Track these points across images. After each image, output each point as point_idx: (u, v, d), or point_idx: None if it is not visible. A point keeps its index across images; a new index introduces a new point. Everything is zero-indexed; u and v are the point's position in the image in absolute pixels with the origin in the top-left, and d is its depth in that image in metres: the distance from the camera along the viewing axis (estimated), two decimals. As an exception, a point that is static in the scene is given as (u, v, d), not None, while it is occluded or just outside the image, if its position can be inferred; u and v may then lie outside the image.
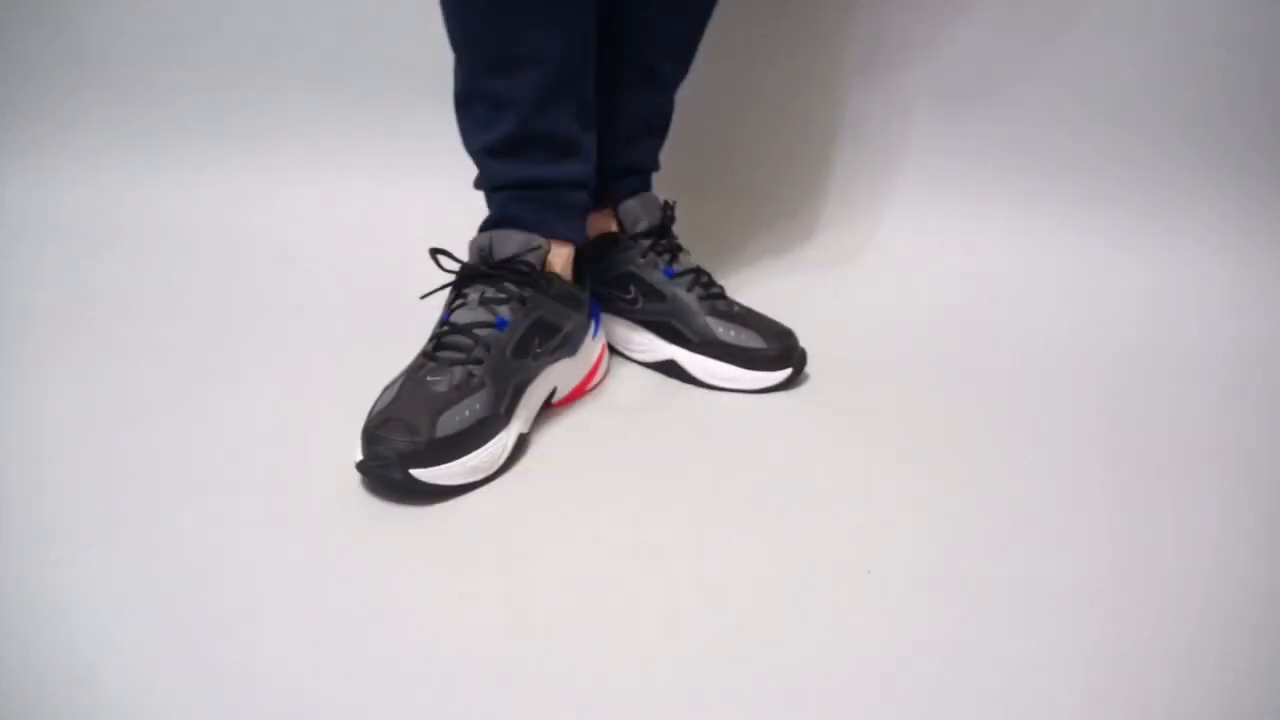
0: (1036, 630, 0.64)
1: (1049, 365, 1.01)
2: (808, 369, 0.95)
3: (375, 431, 0.75)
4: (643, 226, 0.97)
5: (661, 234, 0.98)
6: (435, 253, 0.85)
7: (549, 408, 0.89)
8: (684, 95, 1.23)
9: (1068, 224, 1.16)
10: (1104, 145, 1.14)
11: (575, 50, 0.85)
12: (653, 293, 0.96)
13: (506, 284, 0.84)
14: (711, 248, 1.20)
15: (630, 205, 0.97)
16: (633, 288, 0.97)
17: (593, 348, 0.94)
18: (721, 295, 0.97)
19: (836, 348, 0.99)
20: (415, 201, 1.30)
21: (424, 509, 0.75)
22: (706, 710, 0.57)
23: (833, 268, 1.18)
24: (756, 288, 1.14)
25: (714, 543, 0.72)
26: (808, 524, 0.74)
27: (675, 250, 0.98)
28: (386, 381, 0.81)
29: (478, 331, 0.81)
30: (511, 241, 0.85)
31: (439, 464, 0.75)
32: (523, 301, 0.83)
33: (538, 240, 0.86)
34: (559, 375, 0.89)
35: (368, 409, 0.79)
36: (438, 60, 1.29)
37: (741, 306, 0.97)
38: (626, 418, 0.89)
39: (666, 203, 1.00)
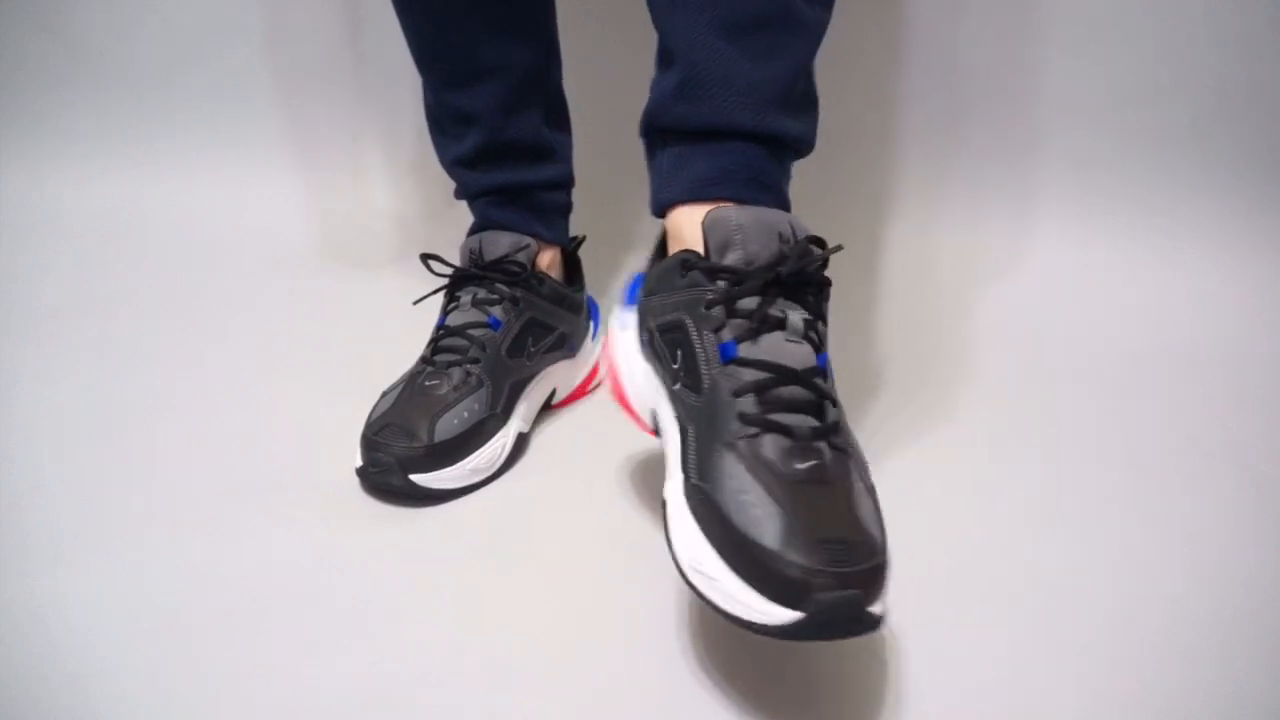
0: (1035, 630, 0.63)
1: (1048, 365, 1.01)
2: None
3: (374, 438, 0.75)
4: (734, 258, 0.60)
5: (768, 286, 0.59)
6: (426, 258, 0.85)
7: (549, 408, 0.89)
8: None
9: (1067, 225, 1.16)
10: (1104, 146, 1.14)
11: (536, 55, 0.86)
12: (692, 372, 0.59)
13: (498, 285, 0.84)
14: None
15: (723, 216, 0.60)
16: (680, 353, 0.61)
17: (593, 349, 0.94)
18: (829, 434, 0.56)
19: (835, 348, 0.99)
20: (415, 206, 1.30)
21: (424, 510, 0.75)
22: (708, 710, 0.57)
23: (830, 269, 1.18)
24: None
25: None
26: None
27: (777, 323, 0.58)
28: (385, 384, 0.81)
29: (472, 332, 0.82)
30: (501, 243, 0.85)
31: (439, 468, 0.75)
32: (515, 301, 0.84)
33: (526, 240, 0.86)
34: (559, 376, 0.89)
35: (367, 412, 0.79)
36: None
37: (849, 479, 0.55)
38: (608, 417, 0.89)
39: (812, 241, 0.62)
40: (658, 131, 0.65)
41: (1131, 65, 1.11)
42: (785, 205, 0.66)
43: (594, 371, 0.94)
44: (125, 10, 1.36)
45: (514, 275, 0.84)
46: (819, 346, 0.60)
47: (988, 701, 0.58)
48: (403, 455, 0.74)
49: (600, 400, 0.93)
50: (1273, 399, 0.94)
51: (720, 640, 0.62)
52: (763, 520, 0.51)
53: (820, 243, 0.62)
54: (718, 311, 0.58)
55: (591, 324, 0.94)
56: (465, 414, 0.78)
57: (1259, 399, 0.94)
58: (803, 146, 0.67)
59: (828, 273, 0.62)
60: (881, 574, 0.52)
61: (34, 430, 0.85)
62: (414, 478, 0.74)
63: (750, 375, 0.57)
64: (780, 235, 0.60)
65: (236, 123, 1.38)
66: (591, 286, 0.97)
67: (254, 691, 0.58)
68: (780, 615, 0.49)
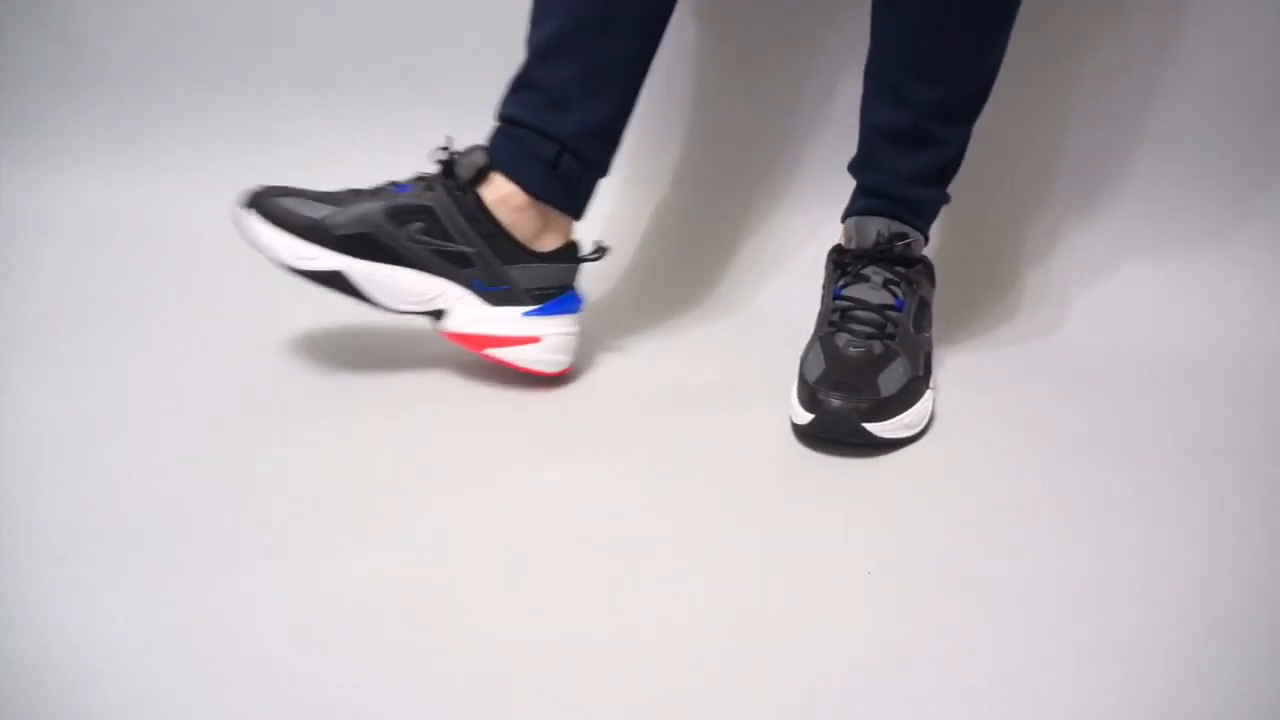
0: (1036, 630, 0.63)
1: (1047, 366, 1.01)
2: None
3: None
4: (853, 244, 0.96)
5: (853, 260, 0.94)
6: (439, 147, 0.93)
7: (436, 331, 0.92)
8: (687, 95, 1.23)
9: (1066, 225, 1.16)
10: (1103, 146, 1.14)
11: (585, 12, 0.90)
12: (824, 301, 0.96)
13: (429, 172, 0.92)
14: (713, 247, 1.21)
15: (849, 222, 0.97)
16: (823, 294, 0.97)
17: (523, 323, 0.92)
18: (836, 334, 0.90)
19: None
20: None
21: (423, 510, 0.75)
22: (704, 710, 0.57)
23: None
24: (759, 285, 1.14)
25: (712, 541, 0.72)
26: (807, 524, 0.74)
27: (857, 276, 0.92)
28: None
29: (390, 188, 0.92)
30: (469, 155, 0.91)
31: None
32: (429, 187, 0.91)
33: (483, 160, 0.91)
34: (452, 298, 0.91)
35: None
36: (434, 62, 1.30)
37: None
38: (607, 412, 0.90)
39: (892, 234, 0.94)
40: None
41: (1131, 65, 1.11)
42: (901, 218, 0.96)
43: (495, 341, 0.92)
44: (126, 10, 1.36)
45: (446, 170, 0.91)
46: (898, 295, 0.91)
47: (988, 701, 0.58)
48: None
49: (576, 390, 0.93)
50: (1273, 399, 0.94)
51: (719, 639, 0.62)
52: (813, 369, 0.86)
53: (902, 236, 0.94)
54: (833, 272, 0.96)
55: (543, 308, 0.92)
56: (308, 209, 0.88)
57: (1259, 399, 0.94)
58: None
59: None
60: (880, 408, 0.82)
61: (33, 430, 0.85)
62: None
63: (839, 304, 0.92)
64: (878, 232, 0.94)
65: (237, 124, 1.37)
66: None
67: (252, 690, 0.58)
68: (804, 416, 0.83)
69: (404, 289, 0.90)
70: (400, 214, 0.89)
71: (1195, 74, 1.09)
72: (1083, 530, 0.74)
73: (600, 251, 0.95)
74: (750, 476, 0.80)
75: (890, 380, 0.85)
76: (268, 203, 0.89)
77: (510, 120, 0.93)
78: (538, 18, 0.92)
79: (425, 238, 0.90)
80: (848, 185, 0.99)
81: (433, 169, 0.93)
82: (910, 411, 0.85)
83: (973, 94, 0.96)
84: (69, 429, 0.85)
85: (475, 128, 0.94)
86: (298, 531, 0.72)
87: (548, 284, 0.93)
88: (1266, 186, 1.10)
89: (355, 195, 0.90)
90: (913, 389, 0.86)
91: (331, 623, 0.63)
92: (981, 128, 0.97)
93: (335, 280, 0.89)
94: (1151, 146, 1.12)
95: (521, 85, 0.93)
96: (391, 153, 1.33)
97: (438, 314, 0.91)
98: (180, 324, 1.06)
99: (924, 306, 0.94)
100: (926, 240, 0.99)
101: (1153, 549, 0.72)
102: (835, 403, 0.81)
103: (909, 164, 0.95)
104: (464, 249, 0.90)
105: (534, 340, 0.92)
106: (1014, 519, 0.75)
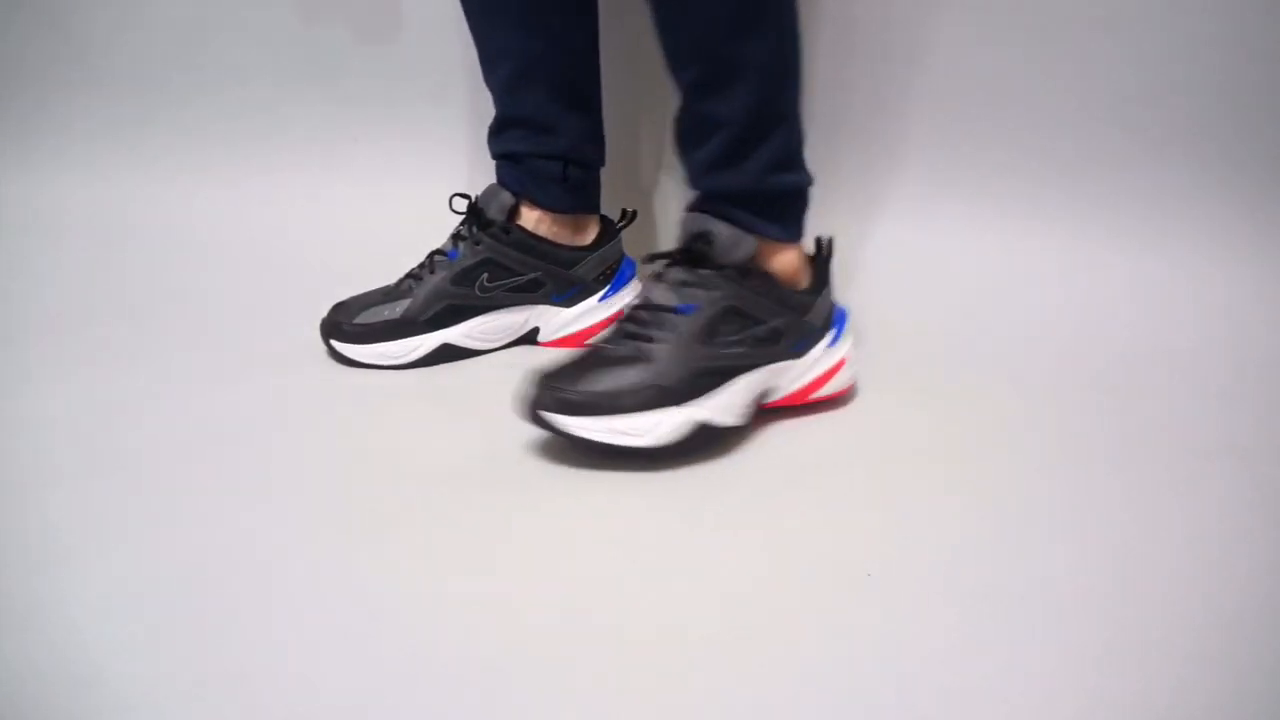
0: (1036, 631, 0.64)
1: (1047, 366, 1.01)
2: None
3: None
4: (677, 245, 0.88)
5: (656, 261, 0.89)
6: (453, 197, 1.02)
7: (535, 344, 1.03)
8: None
9: (1066, 224, 1.16)
10: (1104, 147, 1.14)
11: (537, 44, 0.98)
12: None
13: (470, 226, 1.00)
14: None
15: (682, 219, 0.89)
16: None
17: (596, 309, 1.03)
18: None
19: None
20: (413, 200, 1.30)
21: (425, 509, 0.75)
22: (704, 711, 0.57)
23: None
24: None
25: (712, 544, 0.72)
26: (808, 526, 0.74)
27: (659, 278, 0.86)
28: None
29: (436, 256, 1.00)
30: (492, 196, 1.00)
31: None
32: (475, 242, 0.99)
33: (511, 199, 0.99)
34: (539, 318, 1.02)
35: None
36: (435, 62, 1.30)
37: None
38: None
39: (692, 234, 0.86)
40: None
41: (1131, 65, 1.11)
42: (715, 212, 0.86)
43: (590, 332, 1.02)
44: (128, 11, 1.36)
45: (481, 220, 0.99)
46: (689, 300, 0.83)
47: (988, 701, 0.58)
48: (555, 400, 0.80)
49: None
50: (1273, 399, 0.94)
51: (718, 641, 0.62)
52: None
53: (705, 238, 0.85)
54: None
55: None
56: (385, 312, 0.97)
57: (1259, 399, 0.94)
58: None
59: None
60: (560, 401, 0.78)
61: (33, 429, 0.85)
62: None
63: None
64: (691, 233, 0.86)
65: (237, 123, 1.38)
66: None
67: (251, 688, 0.58)
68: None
69: (497, 329, 1.01)
70: (465, 275, 0.98)
71: (1195, 74, 1.09)
72: (1083, 531, 0.74)
73: (631, 215, 1.05)
74: (750, 479, 0.80)
75: (605, 380, 0.79)
76: (349, 327, 0.97)
77: (509, 156, 1.01)
78: (489, 61, 1.01)
79: (496, 283, 0.99)
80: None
81: (454, 217, 1.02)
82: (626, 418, 0.78)
83: (733, 72, 0.84)
84: (72, 428, 0.85)
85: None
86: (310, 534, 0.72)
87: (607, 264, 1.04)
88: (1267, 186, 1.10)
89: (414, 280, 0.99)
90: (643, 397, 0.79)
91: (342, 626, 0.64)
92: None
93: (444, 352, 0.98)
94: (1152, 144, 1.12)
95: (505, 124, 1.01)
96: (391, 151, 1.34)
97: (533, 333, 1.03)
98: (183, 322, 1.07)
99: (733, 316, 0.84)
100: (791, 239, 0.89)
101: (1153, 549, 0.72)
102: (533, 391, 0.79)
103: (702, 155, 0.86)
104: (531, 275, 1.01)
105: (618, 316, 0.98)
106: (1014, 519, 0.75)
